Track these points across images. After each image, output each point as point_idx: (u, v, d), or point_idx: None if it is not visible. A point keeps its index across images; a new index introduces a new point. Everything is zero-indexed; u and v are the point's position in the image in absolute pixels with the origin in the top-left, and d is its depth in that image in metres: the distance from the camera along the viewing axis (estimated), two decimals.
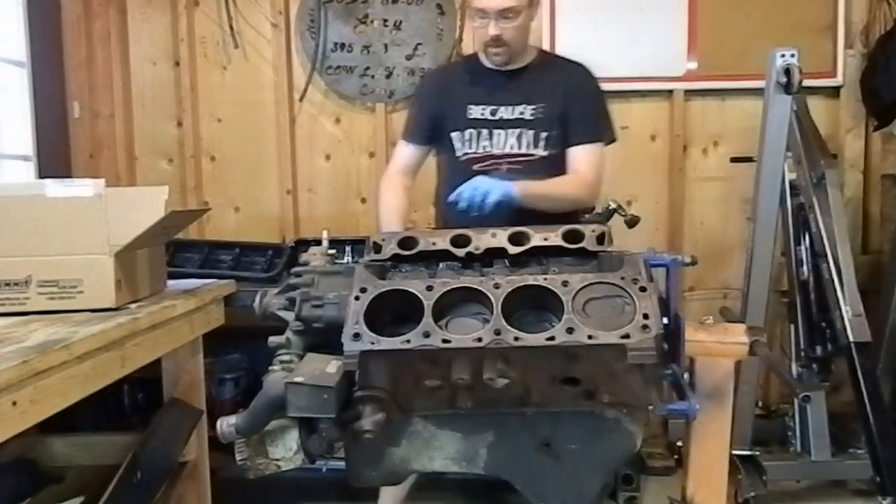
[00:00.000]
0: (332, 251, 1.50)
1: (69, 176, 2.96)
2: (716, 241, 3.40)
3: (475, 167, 2.19)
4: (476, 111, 2.23)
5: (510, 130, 2.21)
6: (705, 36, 3.25)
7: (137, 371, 1.72)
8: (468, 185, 1.97)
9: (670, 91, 3.32)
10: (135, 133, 3.47)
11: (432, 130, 2.29)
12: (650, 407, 1.23)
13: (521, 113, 2.21)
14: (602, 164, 2.29)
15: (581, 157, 2.23)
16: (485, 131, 2.22)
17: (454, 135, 2.24)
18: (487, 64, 2.25)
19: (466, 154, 2.23)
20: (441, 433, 1.27)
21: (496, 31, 2.10)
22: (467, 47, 3.35)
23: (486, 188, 1.94)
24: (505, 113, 2.22)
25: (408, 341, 1.11)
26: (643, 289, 1.15)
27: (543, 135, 2.21)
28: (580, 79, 2.31)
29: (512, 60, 2.21)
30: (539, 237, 1.33)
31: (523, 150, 2.22)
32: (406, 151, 2.34)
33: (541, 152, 2.22)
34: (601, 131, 2.28)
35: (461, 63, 2.60)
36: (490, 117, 2.22)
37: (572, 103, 2.23)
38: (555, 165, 2.23)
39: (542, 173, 2.18)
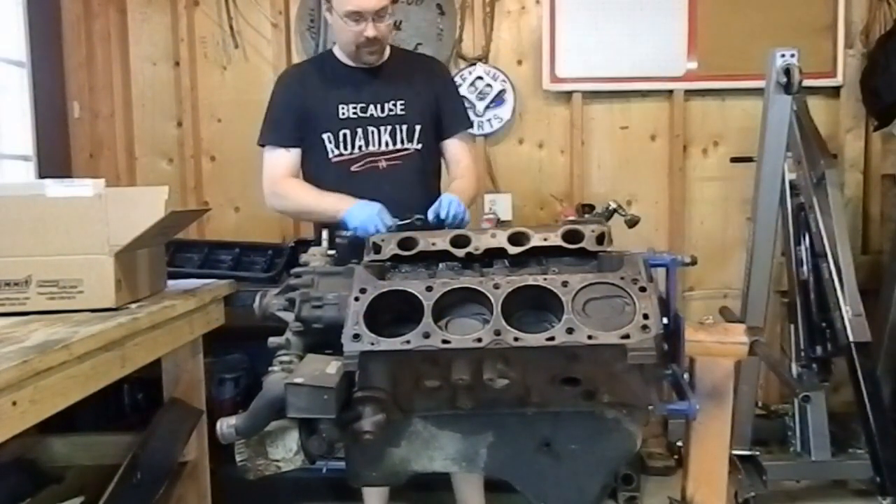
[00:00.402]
0: (332, 251, 1.49)
1: (69, 176, 2.96)
2: (716, 241, 3.41)
3: (352, 168, 2.21)
4: (347, 110, 2.21)
5: (383, 127, 2.23)
6: (705, 36, 3.25)
7: (137, 371, 1.72)
8: (447, 202, 2.02)
9: (670, 91, 3.33)
10: (135, 133, 3.47)
11: (300, 132, 2.24)
12: (650, 407, 1.23)
13: (392, 109, 2.24)
14: (475, 150, 2.42)
15: (461, 147, 2.34)
16: (359, 130, 2.21)
17: (325, 136, 2.21)
18: (347, 62, 2.24)
19: (341, 155, 2.22)
20: (441, 433, 1.27)
21: (374, 32, 2.11)
22: (467, 47, 3.36)
23: (455, 202, 2.03)
24: (375, 110, 2.23)
25: (408, 342, 1.11)
26: (643, 289, 1.15)
27: (417, 127, 2.25)
28: (441, 71, 2.47)
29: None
30: (539, 237, 1.33)
31: (398, 146, 2.24)
32: (282, 157, 2.24)
33: (415, 146, 2.26)
34: (468, 121, 2.43)
35: (315, 62, 2.48)
36: (362, 115, 2.22)
37: (439, 95, 2.32)
38: (429, 157, 2.31)
39: (417, 166, 2.26)
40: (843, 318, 2.52)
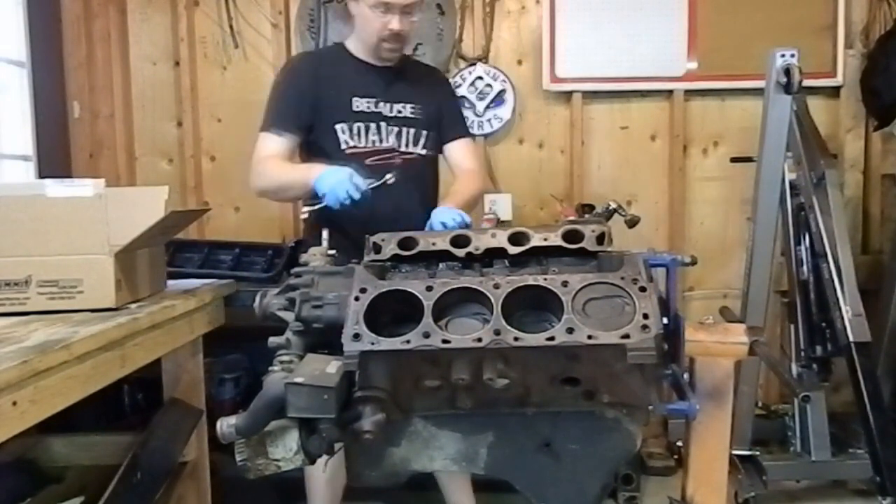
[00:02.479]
0: (333, 251, 1.49)
1: (69, 176, 2.96)
2: (716, 241, 3.41)
3: (368, 161, 2.16)
4: (361, 104, 2.19)
5: (391, 127, 2.21)
6: (705, 36, 3.25)
7: (137, 371, 1.72)
8: (447, 213, 2.01)
9: (670, 91, 3.33)
10: (135, 133, 3.47)
11: (310, 119, 2.19)
12: (650, 407, 1.23)
13: (401, 111, 2.23)
14: (480, 154, 2.42)
15: (464, 150, 2.34)
16: (372, 125, 2.19)
17: (339, 126, 2.17)
18: (361, 57, 2.22)
19: (355, 147, 2.18)
20: (441, 433, 1.27)
21: (400, 26, 2.10)
22: (467, 47, 3.36)
23: (449, 216, 2.01)
24: (384, 109, 2.21)
25: (408, 342, 1.11)
26: (643, 289, 1.15)
27: (424, 133, 2.25)
28: (444, 81, 2.52)
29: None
30: (539, 237, 1.33)
31: (403, 148, 2.23)
32: (277, 142, 2.17)
33: (419, 151, 2.25)
34: (468, 130, 2.44)
35: (331, 52, 2.41)
36: (374, 110, 2.20)
37: (443, 105, 2.32)
38: (432, 165, 2.32)
39: (420, 171, 2.25)
40: (843, 318, 2.52)
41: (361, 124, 2.19)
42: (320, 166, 2.04)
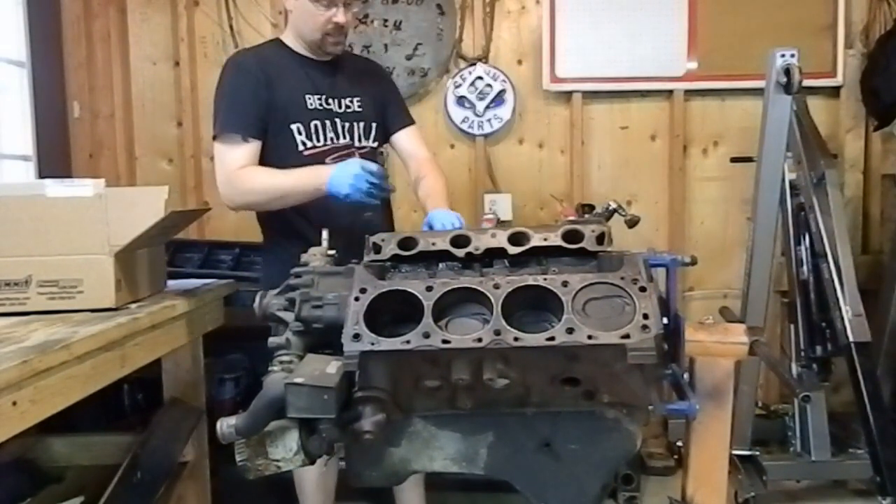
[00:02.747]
0: (333, 251, 1.49)
1: (69, 176, 2.96)
2: (716, 241, 3.41)
3: (327, 160, 2.09)
4: (314, 101, 2.13)
5: (343, 123, 2.16)
6: (705, 36, 3.25)
7: (137, 371, 1.72)
8: (447, 216, 1.98)
9: (670, 91, 3.33)
10: (135, 133, 3.47)
11: (263, 122, 2.07)
12: (650, 407, 1.23)
13: (349, 105, 2.19)
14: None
15: (414, 138, 2.31)
16: (327, 122, 2.13)
17: (295, 127, 2.09)
18: (302, 52, 2.16)
19: (314, 147, 2.11)
20: (441, 433, 1.27)
21: (344, 18, 2.07)
22: (467, 47, 3.36)
23: (449, 218, 1.98)
24: (333, 105, 2.16)
25: (408, 342, 1.11)
26: (643, 289, 1.15)
27: (374, 125, 2.22)
28: (383, 71, 2.49)
29: None
30: (539, 237, 1.33)
31: (357, 143, 2.19)
32: (245, 150, 2.04)
33: (371, 144, 2.22)
34: (412, 119, 2.36)
35: (268, 49, 2.25)
36: (325, 107, 2.14)
37: (385, 95, 2.30)
38: (380, 157, 2.29)
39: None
40: (843, 318, 2.52)
41: (317, 122, 2.12)
42: (325, 168, 1.98)
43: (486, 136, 3.38)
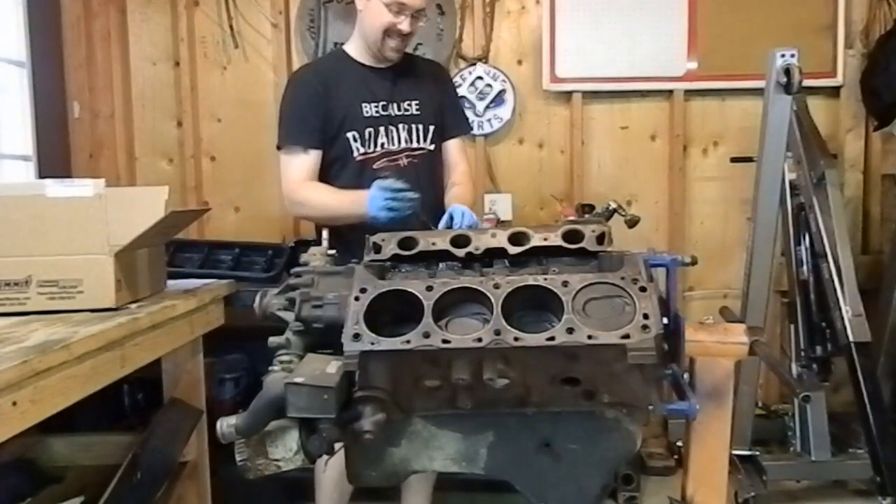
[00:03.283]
0: (333, 251, 1.49)
1: (69, 176, 2.96)
2: (716, 241, 3.41)
3: (374, 166, 2.21)
4: (370, 109, 2.23)
5: (402, 125, 2.25)
6: (705, 36, 3.25)
7: (137, 371, 1.72)
8: (459, 214, 2.05)
9: (670, 91, 3.33)
10: (135, 133, 3.47)
11: (323, 133, 2.21)
12: (650, 407, 1.23)
13: (408, 108, 2.27)
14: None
15: (460, 151, 2.40)
16: (381, 129, 2.23)
17: (350, 135, 2.21)
18: (363, 61, 2.26)
19: (365, 154, 2.22)
20: (441, 433, 1.27)
21: (409, 28, 2.15)
22: (467, 47, 3.36)
23: (468, 214, 2.06)
24: (393, 109, 2.25)
25: (408, 342, 1.10)
26: (643, 289, 1.14)
27: (431, 128, 2.29)
28: (444, 75, 2.57)
29: None
30: (539, 237, 1.33)
31: (414, 145, 2.28)
32: (305, 161, 2.19)
33: (428, 146, 2.30)
34: (469, 125, 2.51)
35: (330, 61, 2.47)
36: (383, 113, 2.24)
37: (444, 98, 2.37)
38: (439, 159, 2.35)
39: (430, 166, 2.30)
40: (843, 318, 2.52)
41: (371, 129, 2.22)
42: (362, 198, 2.05)
43: (486, 136, 3.38)
